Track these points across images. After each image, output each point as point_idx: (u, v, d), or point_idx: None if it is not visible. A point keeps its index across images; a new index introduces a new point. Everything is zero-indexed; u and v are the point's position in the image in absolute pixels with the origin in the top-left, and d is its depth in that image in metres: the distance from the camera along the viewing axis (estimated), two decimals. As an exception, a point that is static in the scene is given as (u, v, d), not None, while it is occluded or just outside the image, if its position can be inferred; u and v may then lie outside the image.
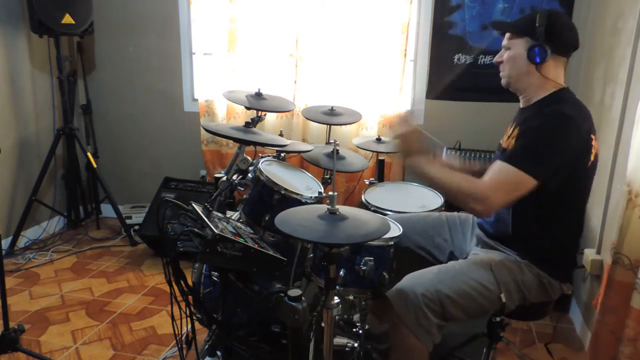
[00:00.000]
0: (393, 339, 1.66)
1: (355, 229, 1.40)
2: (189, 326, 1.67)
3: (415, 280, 1.62)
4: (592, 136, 1.59)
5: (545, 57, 1.60)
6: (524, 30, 1.64)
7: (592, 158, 1.60)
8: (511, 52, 1.68)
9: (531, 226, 1.66)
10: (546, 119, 1.55)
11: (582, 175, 1.62)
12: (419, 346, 1.57)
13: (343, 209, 1.46)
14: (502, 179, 1.51)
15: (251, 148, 2.13)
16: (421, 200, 2.30)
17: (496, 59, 1.74)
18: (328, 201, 1.46)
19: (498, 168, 1.54)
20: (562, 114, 1.53)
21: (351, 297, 1.98)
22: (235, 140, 1.98)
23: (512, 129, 1.73)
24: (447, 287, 1.59)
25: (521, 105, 1.76)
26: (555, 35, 1.60)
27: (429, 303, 1.56)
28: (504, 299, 1.62)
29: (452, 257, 1.91)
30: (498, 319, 1.79)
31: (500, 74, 1.74)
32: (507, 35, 1.71)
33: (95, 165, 3.60)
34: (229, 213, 2.16)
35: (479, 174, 2.02)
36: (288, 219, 1.44)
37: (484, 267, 1.65)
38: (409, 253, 1.94)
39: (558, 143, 1.52)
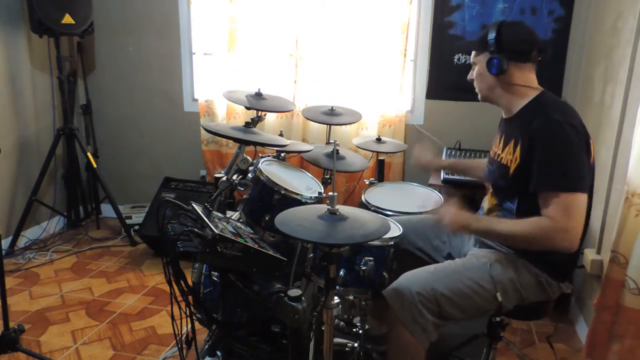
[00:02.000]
0: (390, 336, 1.66)
1: (355, 229, 1.40)
2: (189, 326, 1.67)
3: (412, 278, 1.63)
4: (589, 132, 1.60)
5: (502, 67, 1.64)
6: (482, 45, 1.69)
7: (592, 153, 1.60)
8: (477, 68, 1.74)
9: None
10: (550, 133, 1.54)
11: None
12: (415, 344, 1.58)
13: (343, 209, 1.46)
14: (565, 209, 1.48)
15: (251, 148, 2.13)
16: (421, 200, 2.30)
17: (469, 76, 1.80)
18: (328, 201, 1.46)
19: (551, 200, 1.50)
20: (558, 123, 1.53)
21: (351, 297, 1.98)
22: (235, 140, 1.98)
23: (502, 140, 1.73)
24: (443, 285, 1.59)
25: (504, 115, 1.78)
26: (505, 44, 1.63)
27: (424, 301, 1.57)
28: (500, 298, 1.62)
29: (449, 258, 1.91)
30: (498, 319, 1.79)
31: (476, 90, 1.79)
32: (473, 52, 1.76)
33: (95, 165, 3.60)
34: (229, 213, 2.16)
35: (472, 170, 2.06)
36: (288, 219, 1.44)
37: (480, 266, 1.66)
38: (408, 255, 1.94)
39: (576, 152, 1.52)
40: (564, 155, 1.52)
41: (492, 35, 1.64)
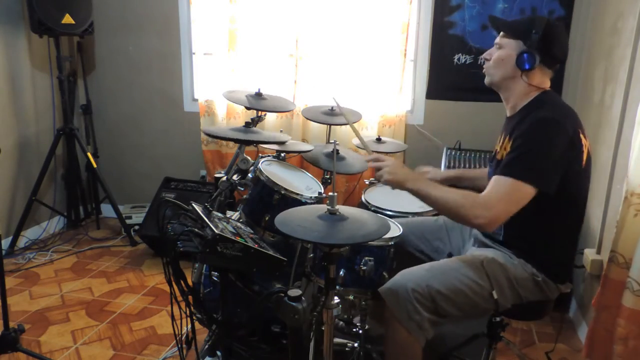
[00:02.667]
0: (386, 334, 1.66)
1: (355, 229, 1.40)
2: (189, 326, 1.67)
3: (407, 276, 1.63)
4: (581, 135, 1.59)
5: (533, 64, 1.60)
6: (519, 33, 1.63)
7: (584, 157, 1.59)
8: (501, 52, 1.67)
9: (524, 228, 1.66)
10: (530, 127, 1.55)
11: (575, 176, 1.61)
12: (412, 341, 1.58)
13: (343, 209, 1.46)
14: (502, 192, 1.52)
15: (251, 148, 2.13)
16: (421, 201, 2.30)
17: (485, 55, 1.73)
18: (328, 201, 1.46)
19: (496, 181, 1.55)
20: (543, 119, 1.54)
21: (351, 297, 1.98)
22: (235, 140, 1.98)
23: (502, 138, 1.74)
24: (438, 282, 1.59)
25: (507, 114, 1.76)
26: (547, 46, 1.59)
27: (420, 298, 1.57)
28: (495, 296, 1.62)
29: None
30: (498, 319, 1.79)
31: (484, 70, 1.74)
32: (501, 33, 1.70)
33: (95, 165, 3.60)
34: (229, 213, 2.16)
35: (479, 180, 2.01)
36: (288, 220, 1.44)
37: (475, 263, 1.66)
38: (408, 257, 1.94)
39: (546, 149, 1.53)
40: (533, 149, 1.53)
41: (538, 31, 1.58)
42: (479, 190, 1.85)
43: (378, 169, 1.70)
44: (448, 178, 2.12)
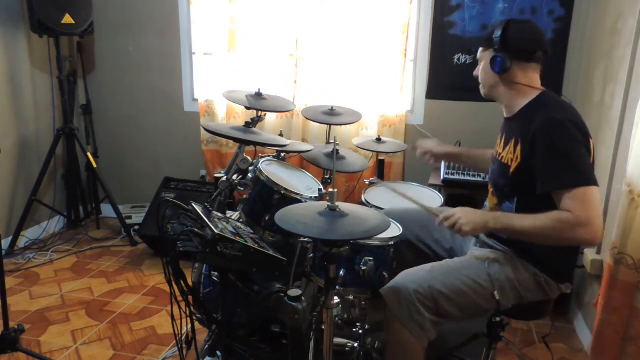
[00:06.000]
0: (388, 335, 1.66)
1: (355, 225, 1.40)
2: (189, 326, 1.67)
3: (409, 276, 1.63)
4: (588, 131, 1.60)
5: (505, 65, 1.62)
6: (486, 42, 1.69)
7: (592, 153, 1.60)
8: (482, 65, 1.74)
9: None
10: (551, 132, 1.53)
11: None
12: (414, 342, 1.58)
13: (343, 206, 1.46)
14: (583, 202, 1.47)
15: (251, 148, 2.13)
16: (421, 200, 2.29)
17: (475, 72, 1.79)
18: (328, 198, 1.46)
19: (568, 197, 1.49)
20: (560, 122, 1.54)
21: (351, 297, 1.98)
22: (235, 140, 1.98)
23: (503, 140, 1.74)
24: (440, 283, 1.60)
25: (505, 115, 1.77)
26: (510, 43, 1.62)
27: (421, 299, 1.57)
28: (497, 296, 1.62)
29: (452, 252, 1.91)
30: (498, 319, 1.79)
31: (480, 86, 1.79)
32: (480, 49, 1.76)
33: (95, 165, 3.60)
34: (229, 213, 2.16)
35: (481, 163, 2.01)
36: (288, 216, 1.44)
37: (478, 264, 1.66)
38: (408, 246, 1.94)
39: (580, 149, 1.52)
40: (569, 152, 1.51)
41: (498, 33, 1.62)
42: (481, 170, 1.84)
43: (452, 225, 1.60)
44: (449, 154, 2.14)
